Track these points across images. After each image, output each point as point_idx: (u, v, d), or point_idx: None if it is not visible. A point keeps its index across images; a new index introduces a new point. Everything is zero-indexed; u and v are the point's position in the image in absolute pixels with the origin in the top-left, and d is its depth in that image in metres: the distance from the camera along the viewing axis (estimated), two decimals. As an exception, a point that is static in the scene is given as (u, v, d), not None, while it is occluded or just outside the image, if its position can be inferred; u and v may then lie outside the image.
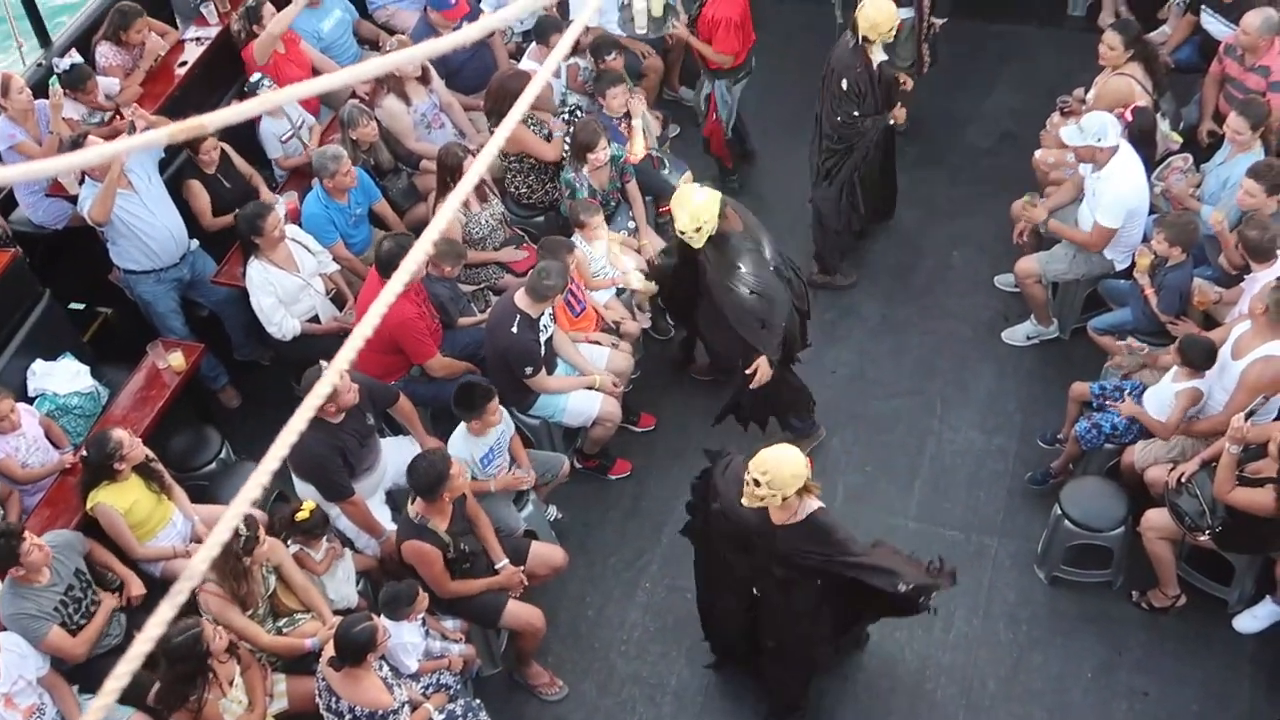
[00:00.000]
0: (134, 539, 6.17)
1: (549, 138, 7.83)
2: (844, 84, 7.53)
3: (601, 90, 7.79)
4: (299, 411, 1.68)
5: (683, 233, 6.61)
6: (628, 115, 7.87)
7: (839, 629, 6.02)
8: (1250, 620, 6.41)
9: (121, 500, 6.12)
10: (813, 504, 5.36)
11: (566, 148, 7.65)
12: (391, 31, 8.97)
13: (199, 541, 6.29)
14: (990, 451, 7.41)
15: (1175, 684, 6.32)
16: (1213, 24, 8.24)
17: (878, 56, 7.55)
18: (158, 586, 6.23)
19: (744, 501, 5.29)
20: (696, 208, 6.54)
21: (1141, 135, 7.15)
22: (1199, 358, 6.15)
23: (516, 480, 6.51)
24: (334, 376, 1.79)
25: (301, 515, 5.96)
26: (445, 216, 1.90)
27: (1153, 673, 6.37)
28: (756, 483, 5.23)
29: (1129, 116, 7.14)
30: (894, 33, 7.53)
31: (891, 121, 7.84)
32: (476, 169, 1.80)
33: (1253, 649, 6.39)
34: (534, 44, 8.38)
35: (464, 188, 1.71)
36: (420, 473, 5.80)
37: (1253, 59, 7.54)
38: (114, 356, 7.48)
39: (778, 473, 5.17)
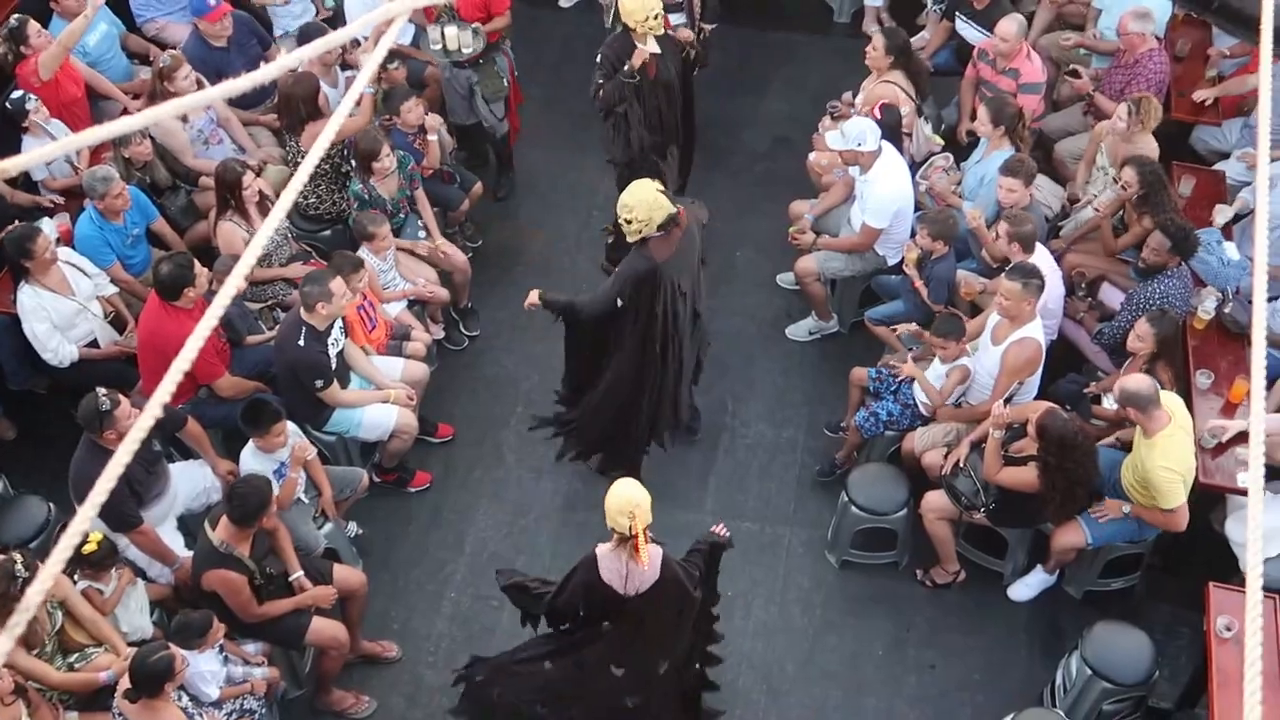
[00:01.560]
0: None
1: None
2: (598, 56, 7.73)
3: (394, 107, 7.75)
4: (116, 457, 1.66)
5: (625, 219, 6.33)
6: (422, 129, 7.86)
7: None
8: (1023, 589, 6.83)
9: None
10: (656, 551, 5.34)
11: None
12: (162, 45, 8.70)
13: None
14: (780, 444, 7.68)
15: (959, 654, 6.69)
16: (967, 30, 8.71)
17: (650, 48, 7.62)
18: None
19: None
20: (631, 198, 6.25)
21: (889, 131, 7.50)
22: (951, 329, 6.60)
23: (292, 484, 6.35)
24: (154, 413, 1.77)
25: (89, 548, 5.75)
26: (261, 241, 1.91)
27: (938, 646, 6.73)
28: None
29: (878, 114, 7.52)
30: (656, 22, 7.50)
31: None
32: (298, 179, 1.80)
33: (1026, 617, 6.82)
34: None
35: (284, 204, 1.72)
36: (243, 498, 5.64)
37: (1004, 63, 8.02)
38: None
39: (645, 504, 5.16)
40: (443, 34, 8.21)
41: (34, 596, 1.63)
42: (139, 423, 1.69)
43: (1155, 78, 7.89)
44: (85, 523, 1.63)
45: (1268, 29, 1.76)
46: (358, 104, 7.84)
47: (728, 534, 5.75)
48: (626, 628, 5.52)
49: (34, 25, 7.74)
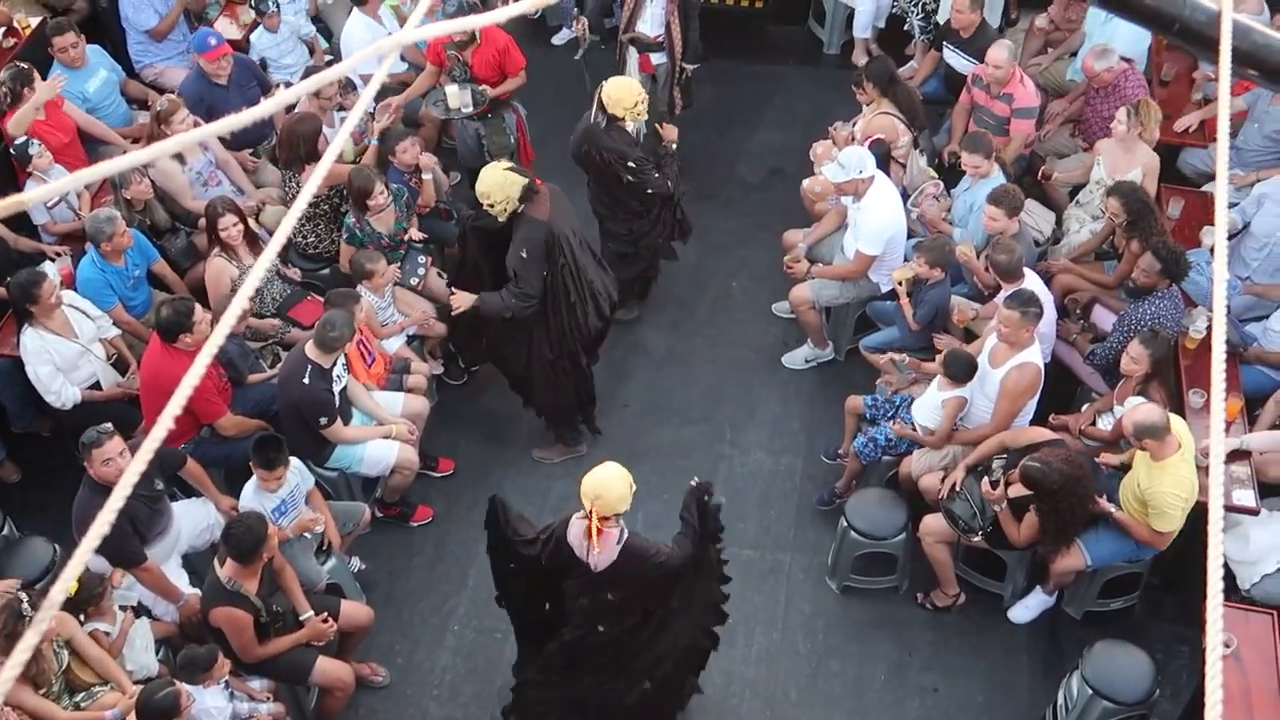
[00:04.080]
0: None
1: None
2: (631, 164, 7.57)
3: (390, 147, 7.84)
4: (113, 495, 1.66)
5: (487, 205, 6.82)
6: (417, 169, 7.95)
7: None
8: (1023, 610, 6.87)
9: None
10: (618, 538, 5.44)
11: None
12: (160, 90, 8.82)
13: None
14: (779, 471, 7.73)
15: (961, 678, 6.71)
16: (954, 59, 8.83)
17: (633, 127, 7.67)
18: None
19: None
20: (484, 185, 6.77)
21: (879, 161, 7.57)
22: (961, 371, 6.60)
23: (310, 522, 6.42)
24: (145, 459, 1.78)
25: (70, 591, 5.75)
26: (253, 283, 1.94)
27: (940, 669, 6.76)
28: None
29: (866, 147, 7.62)
30: (643, 108, 7.49)
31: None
32: (290, 219, 1.85)
33: (1027, 639, 6.85)
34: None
35: (278, 240, 1.76)
36: (238, 538, 5.68)
37: (998, 89, 8.12)
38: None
39: (608, 496, 5.28)
40: (444, 91, 8.34)
41: (32, 636, 1.65)
42: (136, 461, 1.71)
43: (1141, 92, 8.01)
44: (84, 558, 1.66)
45: (1226, 51, 1.83)
46: (360, 151, 7.99)
47: (696, 481, 5.80)
48: (599, 598, 5.59)
49: (37, 76, 7.84)
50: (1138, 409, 6.05)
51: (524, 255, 6.75)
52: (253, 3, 9.33)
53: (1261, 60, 2.10)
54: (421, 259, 7.95)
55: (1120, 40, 8.23)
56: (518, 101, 8.75)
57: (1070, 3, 9.13)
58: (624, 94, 7.45)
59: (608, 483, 5.31)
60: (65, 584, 1.67)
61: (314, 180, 1.92)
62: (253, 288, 1.87)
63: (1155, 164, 7.61)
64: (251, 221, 7.56)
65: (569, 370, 7.33)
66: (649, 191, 7.73)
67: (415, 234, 7.85)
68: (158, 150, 1.86)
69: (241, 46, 9.13)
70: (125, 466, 5.85)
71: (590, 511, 5.28)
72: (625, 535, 5.44)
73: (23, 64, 7.92)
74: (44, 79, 7.93)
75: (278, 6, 9.21)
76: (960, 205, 7.72)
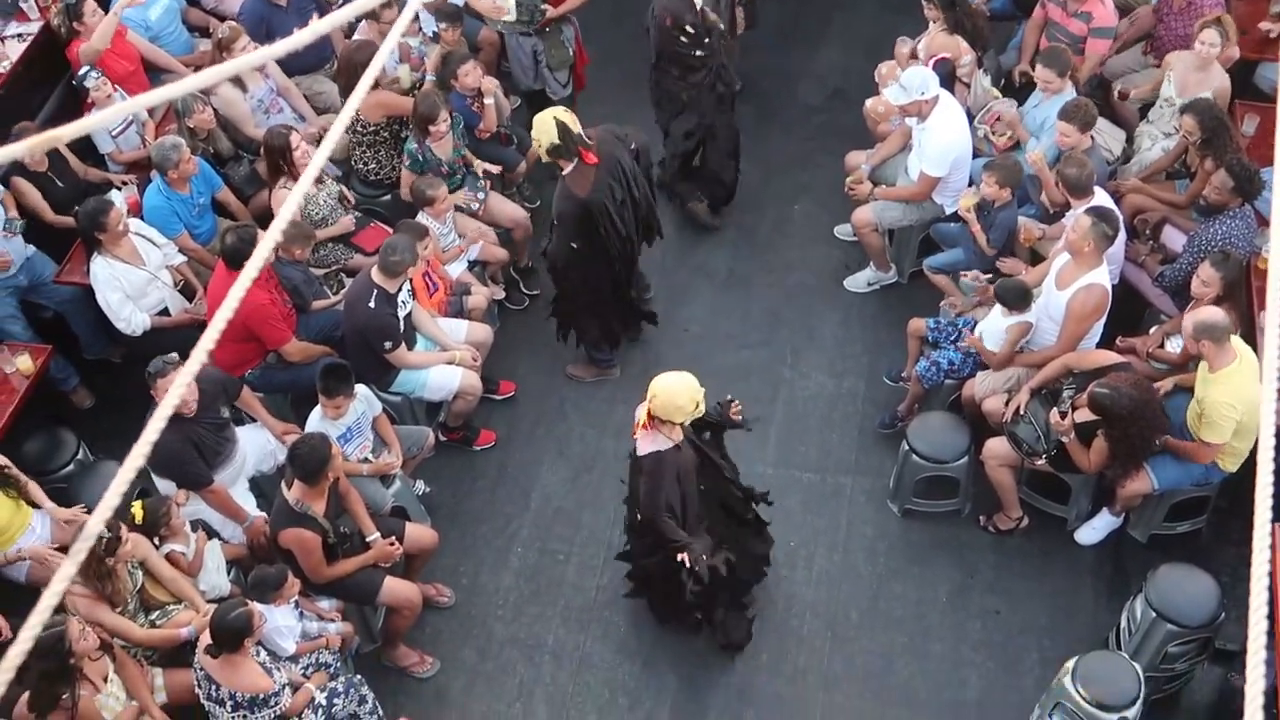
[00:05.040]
0: None
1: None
2: (687, 28, 7.62)
3: (451, 70, 7.80)
4: (153, 420, 1.69)
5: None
6: (479, 93, 7.92)
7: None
8: (1090, 532, 6.82)
9: (-25, 511, 6.01)
10: (661, 443, 5.62)
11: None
12: (221, 17, 8.82)
13: (60, 546, 6.21)
14: (840, 394, 7.70)
15: (1024, 600, 6.70)
16: (1027, -27, 8.60)
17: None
18: (25, 591, 6.18)
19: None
20: (535, 119, 6.91)
21: (943, 83, 7.44)
22: (1014, 299, 6.51)
23: (386, 466, 6.58)
24: (187, 380, 1.81)
25: (136, 519, 5.90)
26: (292, 206, 1.96)
27: (1002, 592, 6.74)
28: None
29: (931, 67, 7.47)
30: None
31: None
32: (328, 141, 1.84)
33: (1091, 562, 6.81)
34: (363, 21, 8.36)
35: (317, 163, 1.77)
36: (303, 457, 5.79)
37: (1076, 5, 7.89)
38: (-43, 365, 7.29)
39: (662, 397, 5.48)
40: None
41: (69, 566, 1.68)
42: (180, 378, 1.74)
43: (1218, 10, 7.76)
44: (127, 480, 1.69)
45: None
46: (417, 81, 7.95)
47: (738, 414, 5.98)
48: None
49: (90, 4, 7.87)
50: (1201, 310, 5.97)
51: (555, 221, 6.98)
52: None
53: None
54: (481, 183, 7.93)
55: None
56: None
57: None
58: None
59: (668, 387, 5.51)
60: (105, 510, 1.71)
61: (356, 96, 1.91)
62: (292, 211, 1.88)
63: (1227, 86, 7.39)
64: (313, 149, 7.59)
65: (616, 303, 7.52)
66: (697, 54, 7.77)
67: (484, 167, 7.93)
68: (217, 73, 1.87)
69: (301, -29, 9.09)
70: (190, 396, 6.00)
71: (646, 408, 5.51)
72: (660, 453, 5.64)
73: None
74: (106, 11, 7.96)
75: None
76: (1030, 121, 7.55)
